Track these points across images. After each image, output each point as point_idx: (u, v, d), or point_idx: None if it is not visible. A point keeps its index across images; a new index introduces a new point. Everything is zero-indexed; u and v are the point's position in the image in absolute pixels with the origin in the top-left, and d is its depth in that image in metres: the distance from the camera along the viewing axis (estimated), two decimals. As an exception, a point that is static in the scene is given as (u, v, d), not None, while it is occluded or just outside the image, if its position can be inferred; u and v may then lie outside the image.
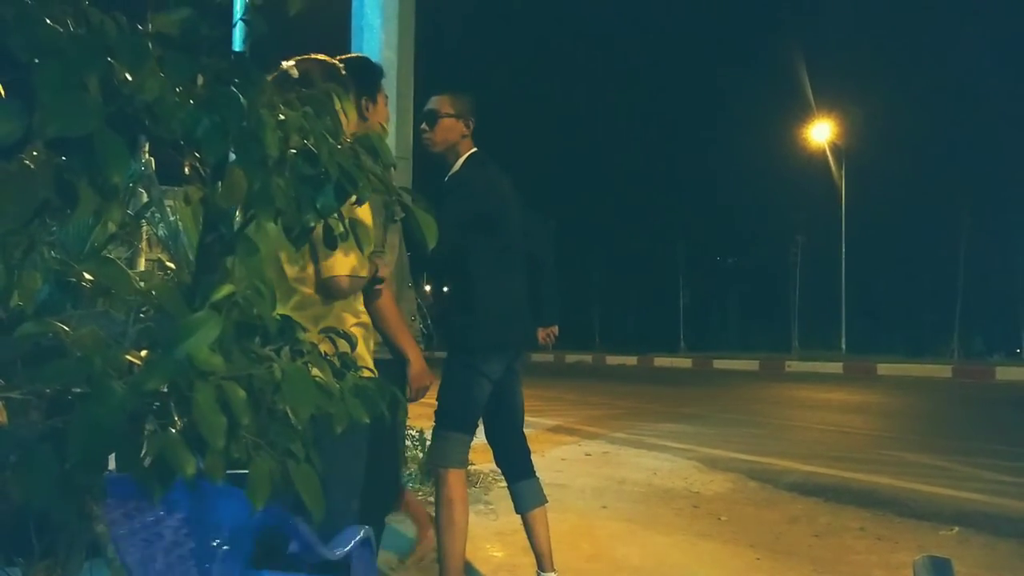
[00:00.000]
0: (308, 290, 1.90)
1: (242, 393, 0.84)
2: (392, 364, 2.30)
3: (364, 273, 1.92)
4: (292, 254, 1.85)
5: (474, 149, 2.86)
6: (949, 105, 34.23)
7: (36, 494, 0.77)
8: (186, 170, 0.96)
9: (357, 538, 1.49)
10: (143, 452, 0.86)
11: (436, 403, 2.77)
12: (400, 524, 3.86)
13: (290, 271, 1.87)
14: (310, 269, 1.89)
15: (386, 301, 2.24)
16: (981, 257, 29.60)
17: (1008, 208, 31.41)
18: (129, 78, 0.80)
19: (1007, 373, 17.90)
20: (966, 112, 34.12)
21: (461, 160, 2.83)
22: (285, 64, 1.91)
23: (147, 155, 3.48)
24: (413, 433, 5.00)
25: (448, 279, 2.85)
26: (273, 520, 1.21)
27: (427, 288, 3.67)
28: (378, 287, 2.16)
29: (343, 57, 2.22)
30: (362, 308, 2.05)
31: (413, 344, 2.37)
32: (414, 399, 2.42)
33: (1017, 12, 34.55)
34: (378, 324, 2.22)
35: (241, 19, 1.00)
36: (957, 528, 3.98)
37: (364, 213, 1.55)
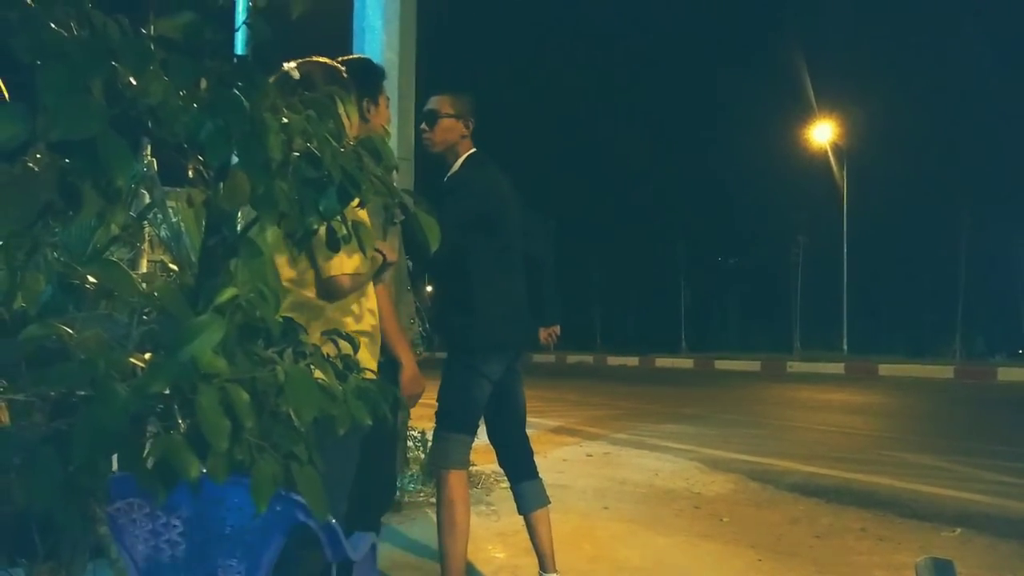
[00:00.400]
0: (304, 292, 1.88)
1: (246, 396, 0.85)
2: (385, 367, 2.27)
3: (365, 270, 1.91)
4: (293, 256, 1.85)
5: (473, 149, 2.86)
6: (950, 105, 34.20)
7: (40, 497, 0.77)
8: (190, 173, 0.96)
9: (369, 543, 1.50)
10: (145, 453, 0.86)
11: (436, 404, 2.77)
12: (399, 525, 3.87)
13: (289, 273, 1.86)
14: (307, 271, 1.88)
15: (384, 304, 2.22)
16: (983, 257, 29.57)
17: (1009, 208, 31.33)
18: (133, 82, 0.80)
19: (1009, 374, 17.86)
20: (967, 112, 34.10)
21: (460, 160, 2.83)
22: (287, 66, 1.91)
23: (149, 156, 3.48)
24: (415, 434, 5.00)
25: (447, 280, 2.85)
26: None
27: (428, 289, 3.67)
28: (380, 283, 2.15)
29: (344, 58, 2.21)
30: (368, 309, 2.03)
31: (407, 349, 2.34)
32: (406, 407, 2.40)
33: (1018, 12, 34.51)
34: None
35: (244, 23, 1.00)
36: (959, 529, 3.98)
37: (362, 213, 1.54)
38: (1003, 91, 33.15)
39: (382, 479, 2.46)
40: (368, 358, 1.94)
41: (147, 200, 3.62)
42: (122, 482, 1.06)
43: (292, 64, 1.92)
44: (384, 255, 2.06)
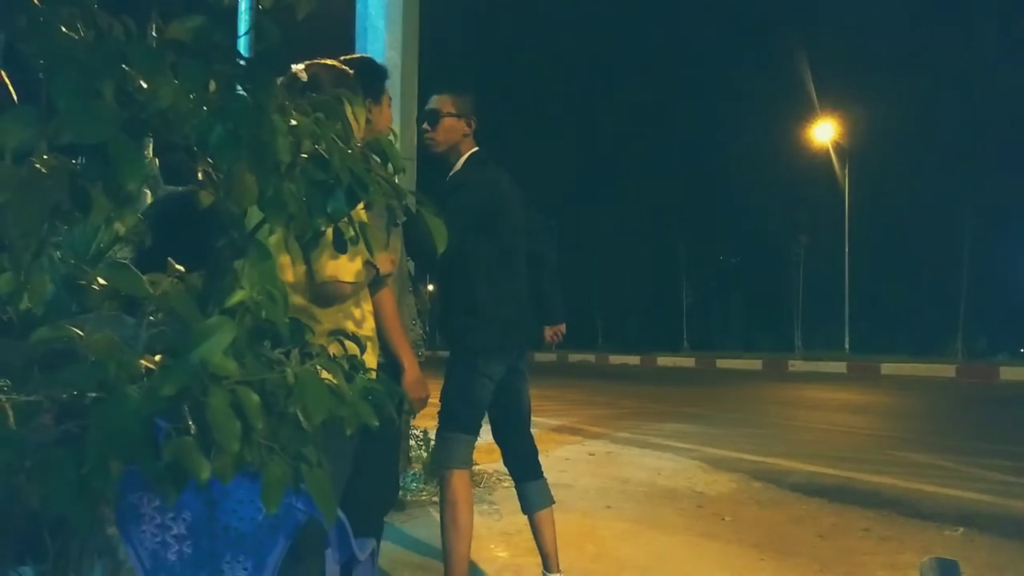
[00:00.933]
0: (305, 296, 1.86)
1: (256, 398, 0.85)
2: (386, 369, 2.24)
3: (363, 278, 1.88)
4: (295, 259, 1.83)
5: (476, 148, 2.85)
6: (953, 104, 34.19)
7: (54, 499, 0.77)
8: (199, 175, 0.96)
9: (369, 548, 1.50)
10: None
11: (439, 404, 2.77)
12: (402, 524, 3.87)
13: (288, 276, 1.83)
14: (302, 274, 1.85)
15: (387, 306, 2.20)
16: (985, 257, 29.57)
17: (1012, 207, 31.33)
18: (144, 85, 0.80)
19: (1011, 373, 17.88)
20: (970, 111, 34.07)
21: (462, 160, 2.82)
22: (294, 68, 1.90)
23: (151, 155, 3.48)
24: (417, 433, 5.00)
25: (450, 280, 2.84)
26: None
27: (430, 288, 3.66)
28: (382, 284, 2.14)
29: (346, 58, 2.20)
30: (368, 312, 2.02)
31: (409, 353, 2.28)
32: (412, 411, 2.38)
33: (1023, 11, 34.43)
34: (377, 327, 2.18)
35: (252, 27, 1.00)
36: (962, 529, 3.97)
37: (363, 214, 1.52)
38: (1007, 90, 33.12)
39: (384, 481, 2.44)
40: (372, 361, 1.93)
41: (150, 199, 3.61)
42: (130, 477, 1.06)
43: (300, 66, 1.92)
44: (378, 269, 2.01)
